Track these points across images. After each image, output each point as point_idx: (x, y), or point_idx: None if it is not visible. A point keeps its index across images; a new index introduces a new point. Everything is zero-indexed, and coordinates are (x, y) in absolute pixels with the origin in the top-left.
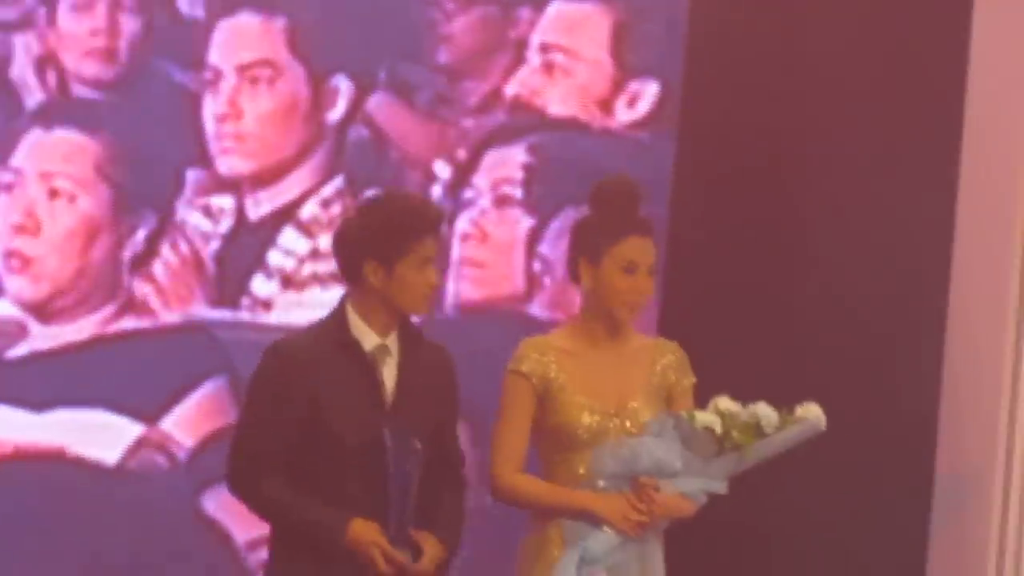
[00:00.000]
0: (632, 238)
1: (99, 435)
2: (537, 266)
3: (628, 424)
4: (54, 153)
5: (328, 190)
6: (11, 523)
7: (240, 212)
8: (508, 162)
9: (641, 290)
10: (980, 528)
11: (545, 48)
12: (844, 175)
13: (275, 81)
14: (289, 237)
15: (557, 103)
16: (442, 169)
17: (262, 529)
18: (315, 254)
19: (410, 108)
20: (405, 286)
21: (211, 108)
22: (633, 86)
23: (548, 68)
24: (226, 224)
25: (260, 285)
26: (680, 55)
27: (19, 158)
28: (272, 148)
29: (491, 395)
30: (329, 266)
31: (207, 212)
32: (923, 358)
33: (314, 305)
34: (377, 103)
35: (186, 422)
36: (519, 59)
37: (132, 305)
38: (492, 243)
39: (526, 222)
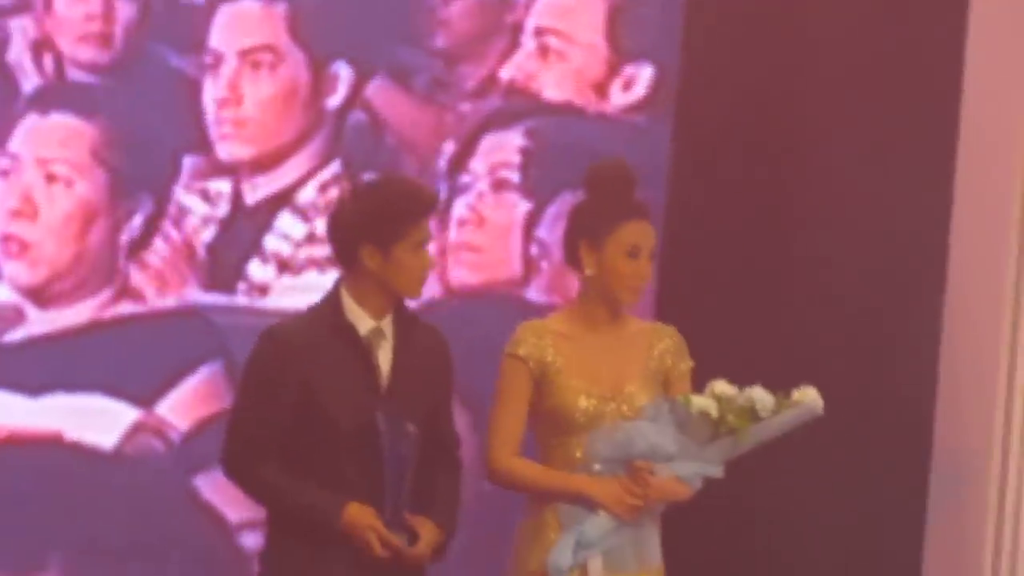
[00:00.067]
0: (634, 222)
1: (96, 420)
2: (534, 250)
3: (625, 408)
4: (51, 138)
5: (325, 175)
6: (8, 507)
7: (237, 197)
8: (505, 146)
9: (643, 274)
10: (976, 516)
11: (540, 32)
12: (842, 159)
13: (276, 66)
14: (286, 222)
15: (552, 87)
16: (439, 154)
17: (254, 511)
18: (312, 238)
19: (407, 93)
20: (401, 269)
21: (211, 93)
22: (628, 70)
23: (543, 52)
24: (223, 208)
25: (256, 270)
26: (677, 39)
27: (16, 143)
28: (271, 134)
29: (489, 380)
30: (326, 250)
31: (205, 197)
32: (920, 342)
33: (311, 290)
34: (374, 88)
35: (182, 407)
36: (515, 43)
37: (129, 290)
38: (489, 227)
39: (523, 206)
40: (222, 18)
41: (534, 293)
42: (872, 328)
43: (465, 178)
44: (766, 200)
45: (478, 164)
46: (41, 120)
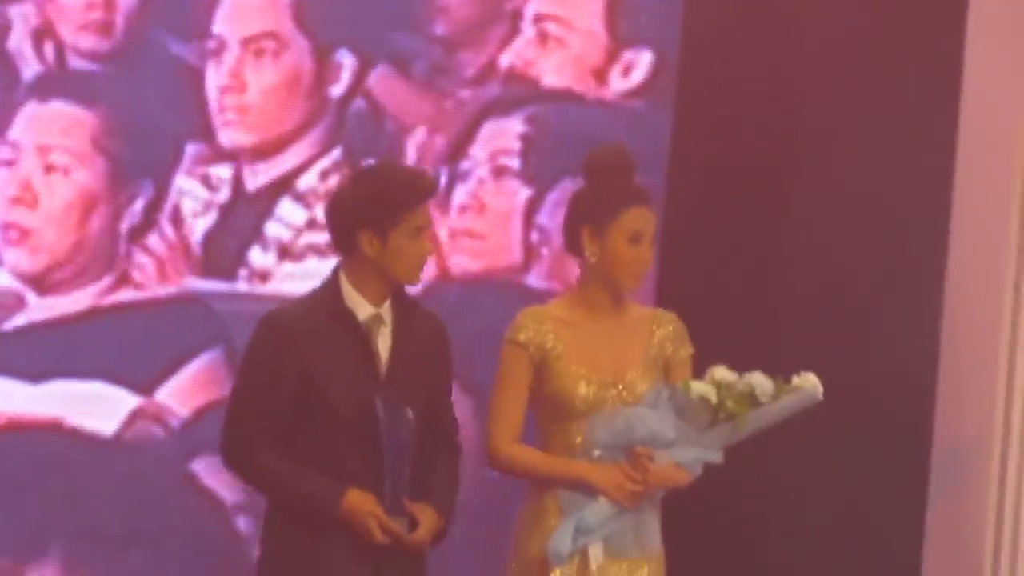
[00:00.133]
0: (636, 208)
1: (96, 406)
2: (535, 237)
3: (625, 394)
4: (52, 126)
5: (326, 161)
6: (8, 493)
7: (238, 183)
8: (505, 133)
9: (645, 260)
10: (978, 498)
11: (539, 19)
12: (842, 143)
13: (279, 54)
14: (287, 208)
15: (552, 74)
16: (439, 141)
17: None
18: (312, 225)
19: (407, 80)
20: (399, 255)
21: (213, 79)
22: (627, 56)
23: (543, 39)
24: (224, 195)
25: (257, 256)
26: (676, 24)
27: (16, 131)
28: (274, 121)
29: (490, 367)
30: (327, 237)
31: (206, 183)
32: (920, 327)
33: (311, 276)
34: (375, 75)
35: (182, 393)
36: (514, 30)
37: (129, 277)
38: (490, 214)
39: (524, 193)
40: (226, 5)
41: (534, 279)
42: (873, 308)
43: (465, 165)
44: (766, 186)
45: (478, 151)
46: (42, 108)
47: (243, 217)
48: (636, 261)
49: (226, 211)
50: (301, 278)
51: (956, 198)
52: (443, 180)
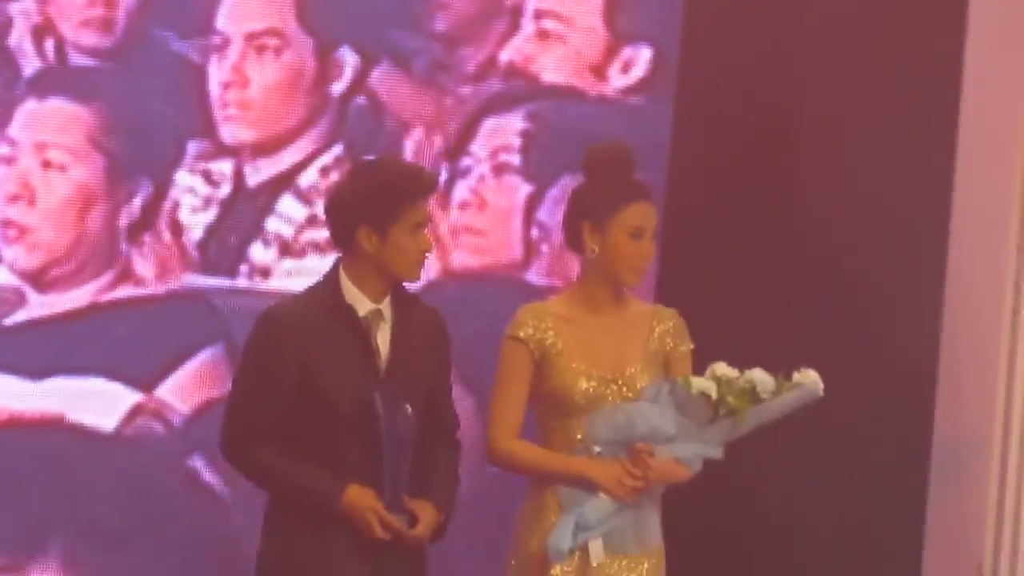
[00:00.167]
0: (637, 203)
1: (96, 402)
2: (535, 233)
3: (625, 390)
4: (51, 122)
5: (327, 158)
6: (8, 489)
7: (239, 179)
8: (506, 129)
9: (647, 255)
10: (978, 497)
11: (539, 15)
12: (842, 138)
13: (282, 51)
14: (288, 204)
15: (552, 70)
16: (440, 137)
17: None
18: (313, 221)
19: (408, 76)
20: (398, 251)
21: (216, 75)
22: (627, 52)
23: (542, 35)
24: (225, 191)
25: (258, 252)
26: (677, 20)
27: (16, 127)
28: (275, 118)
29: (491, 363)
30: (327, 233)
31: (207, 179)
32: (921, 323)
33: (312, 272)
34: (377, 73)
35: (183, 390)
36: (515, 26)
37: (129, 273)
38: (490, 211)
39: (524, 189)
40: (228, 2)
41: (535, 276)
42: (873, 304)
43: (466, 161)
44: (767, 183)
45: (479, 147)
46: (42, 104)
47: (244, 213)
48: (637, 257)
49: (227, 207)
50: (302, 274)
51: (956, 196)
52: (443, 177)
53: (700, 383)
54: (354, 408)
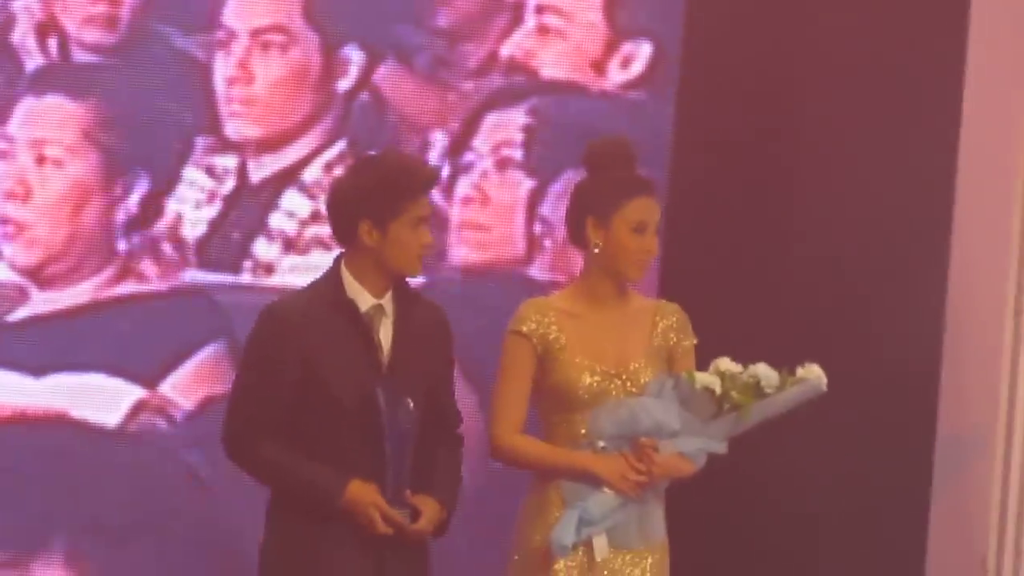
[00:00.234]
0: (640, 198)
1: (99, 399)
2: (538, 228)
3: (629, 385)
4: (52, 118)
5: (330, 153)
6: (12, 486)
7: (243, 175)
8: (508, 125)
9: (650, 250)
10: (981, 495)
11: (540, 10)
12: (844, 134)
13: (287, 48)
14: (291, 200)
15: (552, 65)
16: (442, 133)
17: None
18: (317, 217)
19: (411, 73)
20: (399, 246)
21: (221, 70)
22: (627, 47)
23: (543, 30)
24: (228, 187)
25: (262, 248)
26: (679, 15)
27: (16, 123)
28: (280, 115)
29: (494, 358)
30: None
31: (211, 175)
32: (924, 319)
33: (315, 269)
34: (383, 70)
35: (186, 386)
36: (516, 21)
37: (131, 269)
38: (493, 206)
39: (527, 184)
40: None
41: (537, 271)
42: (876, 298)
43: (468, 157)
44: (769, 178)
45: (481, 143)
46: (44, 101)
47: (247, 209)
48: (640, 251)
49: (230, 202)
50: (305, 271)
51: (959, 193)
52: (446, 172)
53: (704, 378)
54: (356, 403)
